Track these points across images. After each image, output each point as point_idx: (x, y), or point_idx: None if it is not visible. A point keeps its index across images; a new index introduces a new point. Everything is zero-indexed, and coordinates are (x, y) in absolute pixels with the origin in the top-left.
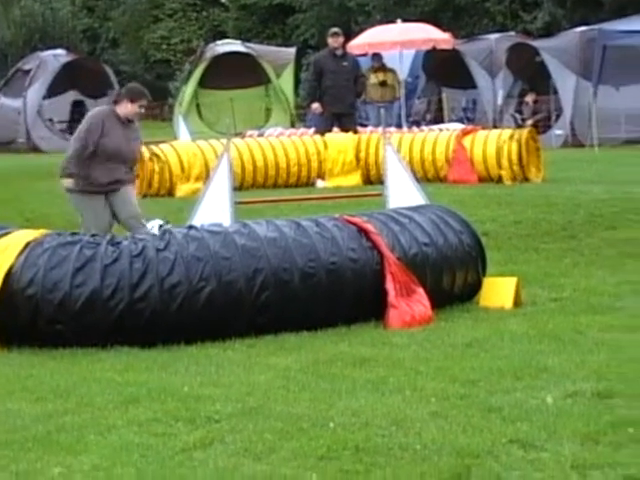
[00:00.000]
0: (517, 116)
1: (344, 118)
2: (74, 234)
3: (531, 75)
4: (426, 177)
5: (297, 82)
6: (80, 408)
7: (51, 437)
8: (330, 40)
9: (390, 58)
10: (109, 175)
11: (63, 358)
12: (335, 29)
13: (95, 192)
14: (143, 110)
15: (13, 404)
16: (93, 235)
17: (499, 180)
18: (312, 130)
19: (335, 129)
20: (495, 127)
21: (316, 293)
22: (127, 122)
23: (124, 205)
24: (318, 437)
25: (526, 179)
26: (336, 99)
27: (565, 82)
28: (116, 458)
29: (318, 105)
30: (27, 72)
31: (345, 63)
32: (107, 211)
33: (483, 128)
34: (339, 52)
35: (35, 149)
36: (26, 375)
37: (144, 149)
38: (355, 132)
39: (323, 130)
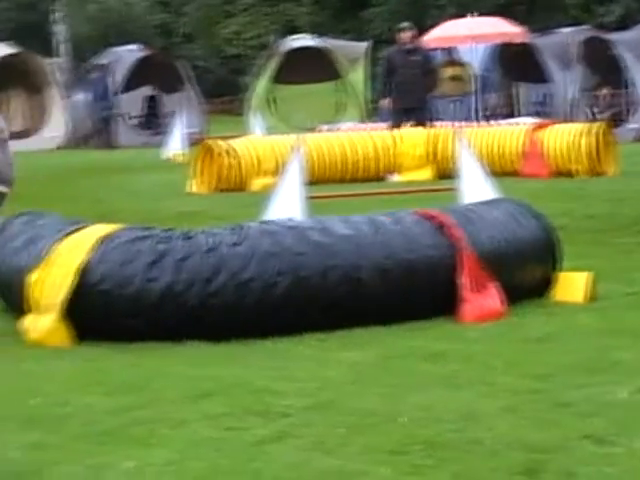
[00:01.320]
0: (591, 110)
1: (415, 113)
2: (147, 229)
3: (605, 69)
4: (498, 171)
5: (372, 77)
6: (153, 402)
7: (124, 431)
8: (400, 35)
9: (465, 52)
10: None
11: (136, 352)
12: (404, 24)
13: None
14: None
15: (87, 398)
16: (167, 229)
17: (571, 174)
18: (385, 125)
19: (407, 124)
20: (568, 121)
21: (390, 288)
22: None
23: None
24: (389, 432)
25: (599, 173)
26: (407, 94)
27: None
28: (189, 452)
29: (387, 101)
30: (103, 67)
31: (415, 57)
32: None
33: (556, 122)
34: (409, 47)
35: (110, 144)
36: (99, 369)
37: (215, 143)
38: (427, 127)
39: (395, 125)
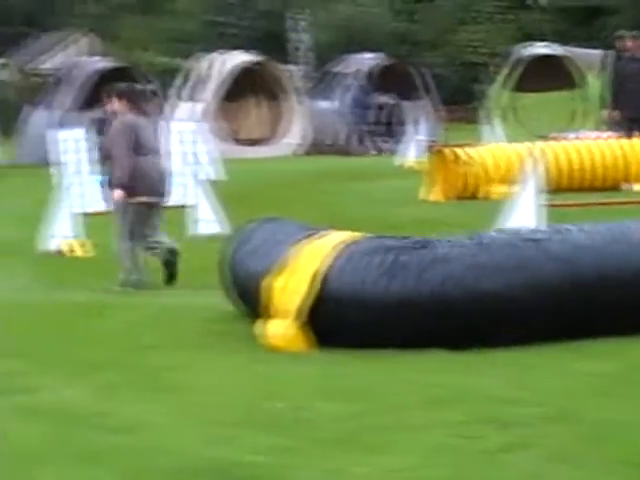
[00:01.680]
0: None
1: (638, 122)
2: (390, 238)
3: None
4: None
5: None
6: (387, 409)
7: (355, 436)
8: (622, 43)
9: None
10: None
11: (371, 359)
12: (625, 32)
13: None
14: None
15: (318, 403)
16: (405, 238)
17: None
18: (617, 134)
19: (635, 133)
20: None
21: (627, 299)
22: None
23: None
24: (631, 443)
25: None
26: (629, 102)
27: None
28: (424, 459)
29: (609, 112)
30: (344, 75)
31: (637, 66)
32: None
33: None
34: (634, 55)
35: (349, 152)
36: (335, 375)
37: (451, 151)
38: None
39: (625, 134)
